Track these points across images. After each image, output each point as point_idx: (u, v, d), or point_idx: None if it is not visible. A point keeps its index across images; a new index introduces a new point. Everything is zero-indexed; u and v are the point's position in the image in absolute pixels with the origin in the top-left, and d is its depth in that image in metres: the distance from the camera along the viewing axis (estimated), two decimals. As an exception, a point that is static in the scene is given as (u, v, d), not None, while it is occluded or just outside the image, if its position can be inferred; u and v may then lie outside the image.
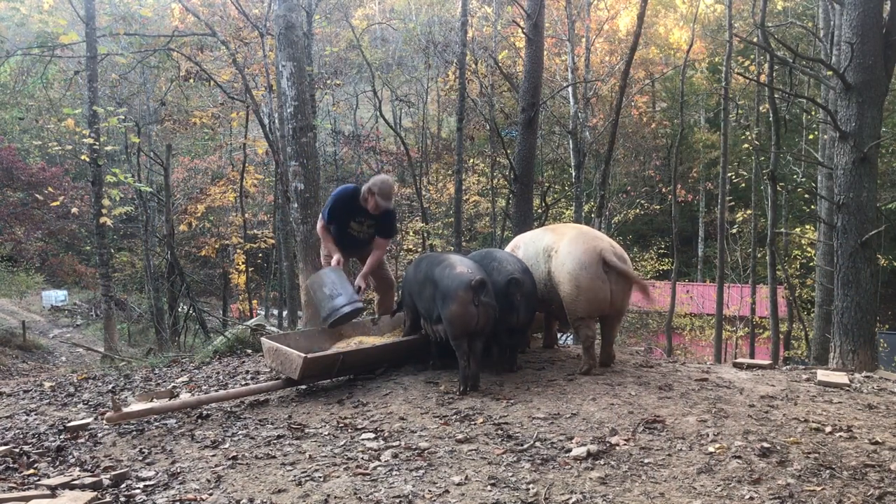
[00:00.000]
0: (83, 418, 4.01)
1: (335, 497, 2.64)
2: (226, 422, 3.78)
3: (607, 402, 3.59)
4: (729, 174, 14.13)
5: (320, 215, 5.18)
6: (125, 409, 3.74)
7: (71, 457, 3.37)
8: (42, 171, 19.57)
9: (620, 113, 10.13)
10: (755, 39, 10.90)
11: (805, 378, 4.18)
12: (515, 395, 3.80)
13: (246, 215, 17.12)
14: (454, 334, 3.85)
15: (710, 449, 2.93)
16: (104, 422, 3.79)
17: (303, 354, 3.97)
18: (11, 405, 4.51)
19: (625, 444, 3.02)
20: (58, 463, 3.30)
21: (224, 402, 4.10)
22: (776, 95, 10.10)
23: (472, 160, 19.37)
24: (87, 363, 12.55)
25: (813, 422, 3.26)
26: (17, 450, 3.40)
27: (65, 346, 18.11)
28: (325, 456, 3.10)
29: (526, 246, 4.63)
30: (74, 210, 16.09)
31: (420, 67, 21.76)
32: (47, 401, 4.57)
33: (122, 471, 3.06)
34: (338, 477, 2.83)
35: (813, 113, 13.36)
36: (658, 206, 20.98)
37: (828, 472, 2.70)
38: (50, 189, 17.97)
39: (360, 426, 3.49)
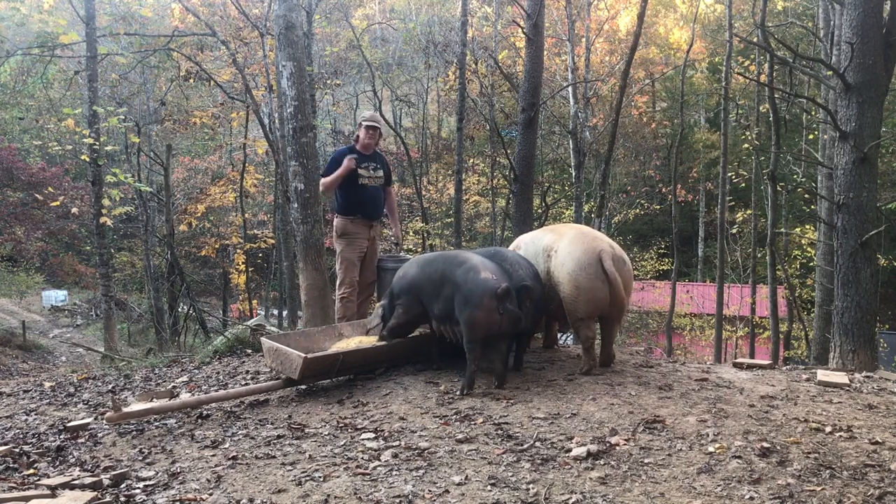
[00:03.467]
0: (83, 418, 4.01)
1: (335, 497, 2.64)
2: (226, 422, 3.78)
3: (607, 402, 3.59)
4: (729, 174, 14.12)
5: (321, 179, 5.45)
6: (125, 410, 3.74)
7: (71, 457, 3.37)
8: (42, 171, 19.58)
9: (620, 113, 10.12)
10: (755, 39, 10.89)
11: (805, 378, 4.18)
12: (515, 395, 3.80)
13: (246, 215, 17.12)
14: (473, 337, 3.85)
15: (710, 449, 2.93)
16: (104, 422, 3.79)
17: (303, 354, 3.97)
18: (11, 405, 4.51)
19: (625, 444, 3.02)
20: (58, 463, 3.30)
21: (224, 402, 4.10)
22: (776, 95, 10.09)
23: (472, 160, 19.39)
24: (87, 363, 12.55)
25: (813, 422, 3.26)
26: (17, 450, 3.40)
27: (65, 346, 18.12)
28: (325, 456, 3.10)
29: (526, 246, 4.63)
30: (74, 210, 16.09)
31: (420, 67, 21.76)
32: (47, 401, 4.57)
33: (122, 471, 3.06)
34: (338, 477, 2.84)
35: (813, 113, 13.34)
36: (658, 206, 20.97)
37: (828, 472, 2.70)
38: (50, 189, 17.97)
39: (360, 426, 3.49)
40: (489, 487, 2.66)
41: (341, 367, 4.20)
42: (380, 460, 3.00)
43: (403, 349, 4.50)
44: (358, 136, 5.46)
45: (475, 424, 3.38)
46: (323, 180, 5.35)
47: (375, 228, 5.50)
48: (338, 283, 5.47)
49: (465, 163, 17.52)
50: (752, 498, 2.49)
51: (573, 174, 15.58)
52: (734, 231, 17.83)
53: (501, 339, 3.95)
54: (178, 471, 3.04)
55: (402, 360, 4.53)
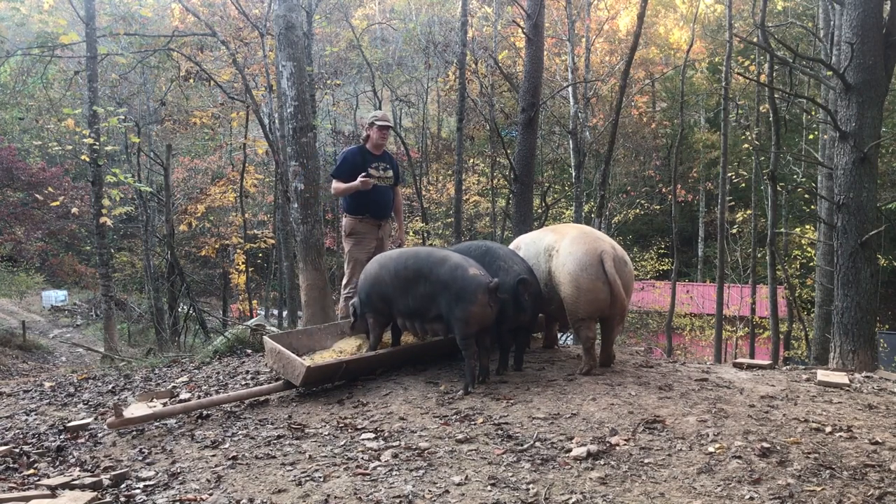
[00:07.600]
0: (83, 418, 4.01)
1: (335, 497, 2.64)
2: (226, 422, 3.78)
3: (607, 402, 3.59)
4: (729, 174, 14.12)
5: (333, 179, 5.34)
6: (126, 416, 3.71)
7: (71, 457, 3.37)
8: (42, 171, 19.58)
9: (620, 113, 10.11)
10: (755, 39, 10.89)
11: (805, 378, 4.18)
12: (515, 395, 3.80)
13: (246, 215, 17.10)
14: (468, 333, 3.89)
15: (710, 449, 2.93)
16: (106, 426, 3.79)
17: (306, 363, 3.97)
18: (11, 405, 4.51)
19: (625, 444, 3.02)
20: (58, 463, 3.30)
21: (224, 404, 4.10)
22: (776, 95, 10.07)
23: (472, 160, 19.38)
24: (87, 363, 12.56)
25: (813, 422, 3.25)
26: (17, 450, 3.41)
27: (65, 346, 18.11)
28: (325, 456, 3.10)
29: (527, 246, 4.63)
30: (74, 210, 16.08)
31: (420, 67, 21.75)
32: (47, 401, 4.57)
33: (122, 471, 3.06)
34: (338, 477, 2.84)
35: (813, 113, 13.34)
36: (658, 206, 20.98)
37: (828, 472, 2.70)
38: (50, 189, 17.97)
39: (360, 426, 3.49)
40: (489, 487, 2.66)
41: (343, 374, 4.21)
42: (380, 460, 3.00)
43: (405, 355, 4.50)
44: (369, 136, 5.36)
45: (475, 424, 3.38)
46: (335, 185, 5.28)
47: (384, 228, 5.43)
48: (344, 281, 5.42)
49: (465, 163, 17.52)
50: (752, 498, 2.49)
51: (573, 174, 15.57)
52: (734, 231, 17.83)
53: (486, 333, 4.05)
54: (178, 471, 3.04)
55: (404, 365, 4.52)
